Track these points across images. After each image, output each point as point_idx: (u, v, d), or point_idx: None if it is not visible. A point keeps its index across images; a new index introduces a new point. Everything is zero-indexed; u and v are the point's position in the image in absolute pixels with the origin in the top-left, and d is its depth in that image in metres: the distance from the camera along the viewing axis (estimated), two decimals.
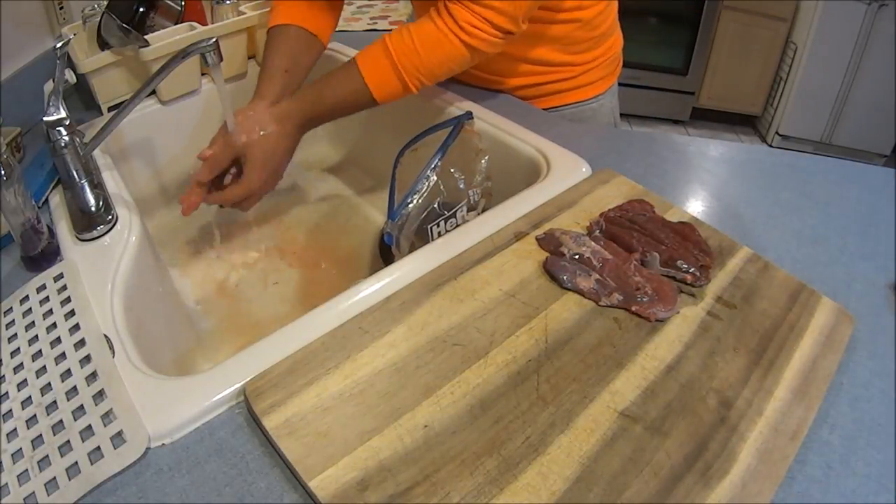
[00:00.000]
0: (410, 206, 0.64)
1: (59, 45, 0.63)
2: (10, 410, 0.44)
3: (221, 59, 0.63)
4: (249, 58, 0.93)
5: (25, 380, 0.46)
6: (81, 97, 0.86)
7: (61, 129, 0.60)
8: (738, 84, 2.73)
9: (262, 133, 0.70)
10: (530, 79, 0.85)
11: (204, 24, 0.84)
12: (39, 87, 0.79)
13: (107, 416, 0.43)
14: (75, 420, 0.43)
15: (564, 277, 0.53)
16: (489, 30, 0.68)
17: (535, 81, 0.86)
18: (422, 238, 0.65)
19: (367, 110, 0.85)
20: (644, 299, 0.50)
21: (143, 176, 0.85)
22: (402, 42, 0.69)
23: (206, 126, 0.88)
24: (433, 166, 0.65)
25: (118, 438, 0.41)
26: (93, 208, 0.61)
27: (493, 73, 0.86)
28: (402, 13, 1.65)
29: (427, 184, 0.65)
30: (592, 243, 0.56)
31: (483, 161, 0.70)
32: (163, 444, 0.42)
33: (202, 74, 0.86)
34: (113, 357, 0.47)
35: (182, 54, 0.61)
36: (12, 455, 0.41)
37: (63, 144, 0.60)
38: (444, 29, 0.68)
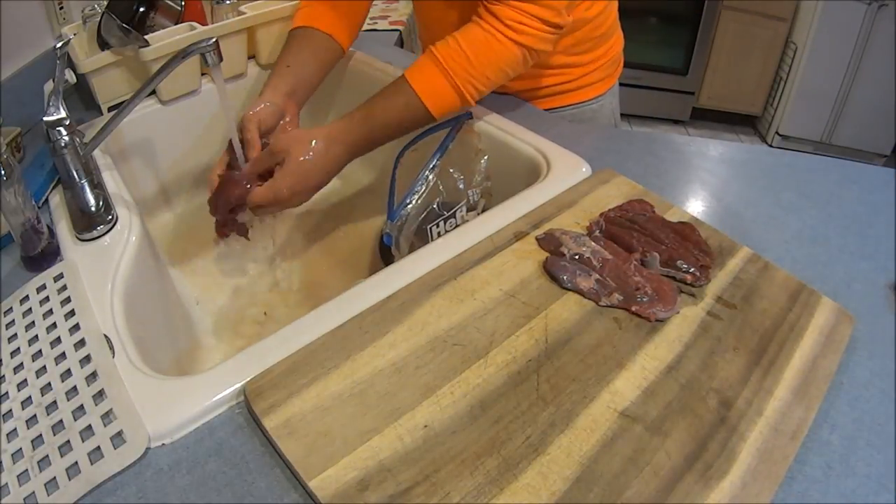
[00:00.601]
0: (409, 206, 0.64)
1: (59, 45, 0.63)
2: (10, 410, 0.44)
3: (221, 59, 0.63)
4: (249, 58, 0.93)
5: (25, 380, 0.46)
6: (81, 97, 0.86)
7: (61, 129, 0.60)
8: (738, 84, 2.73)
9: (309, 144, 0.66)
10: (531, 82, 0.86)
11: (204, 24, 0.84)
12: (39, 87, 0.79)
13: (107, 416, 0.43)
14: (75, 420, 0.43)
15: (564, 277, 0.53)
16: (537, 24, 0.66)
17: (537, 84, 0.86)
18: (421, 238, 0.65)
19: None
20: (644, 299, 0.50)
21: (143, 176, 0.85)
22: (450, 49, 0.67)
23: (206, 126, 0.88)
24: (431, 167, 0.65)
25: (118, 438, 0.41)
26: (93, 208, 0.61)
27: None
28: (403, 13, 1.65)
29: (425, 184, 0.65)
30: (592, 243, 0.56)
31: (482, 161, 0.70)
32: (163, 444, 0.42)
33: (202, 74, 0.86)
34: (113, 357, 0.47)
35: (182, 54, 0.61)
36: (12, 455, 0.41)
37: (63, 144, 0.60)
38: (490, 30, 0.66)
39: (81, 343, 0.48)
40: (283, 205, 0.67)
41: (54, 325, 0.50)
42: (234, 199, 0.68)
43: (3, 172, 0.53)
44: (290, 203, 0.67)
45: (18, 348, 0.49)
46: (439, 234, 0.66)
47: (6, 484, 0.39)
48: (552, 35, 0.69)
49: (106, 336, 0.49)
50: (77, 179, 0.62)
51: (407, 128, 0.70)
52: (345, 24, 0.83)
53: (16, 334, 0.50)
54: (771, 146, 2.73)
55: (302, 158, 0.65)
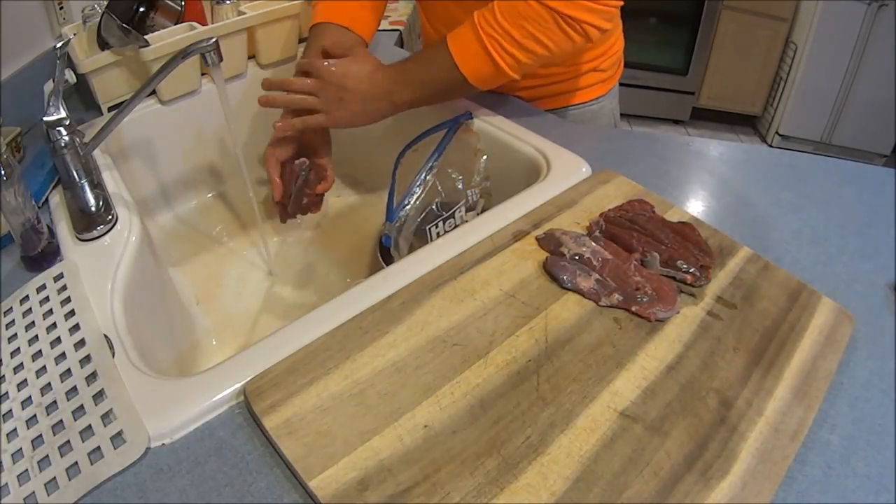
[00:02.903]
0: (407, 207, 0.64)
1: (59, 45, 0.63)
2: (10, 410, 0.44)
3: (221, 59, 0.63)
4: (249, 58, 0.92)
5: (25, 380, 0.46)
6: (81, 97, 0.86)
7: (61, 129, 0.60)
8: (738, 84, 2.73)
9: (362, 61, 0.70)
10: (530, 81, 0.85)
11: (204, 24, 0.84)
12: (39, 87, 0.79)
13: (107, 417, 0.43)
14: (75, 420, 0.43)
15: (564, 277, 0.53)
16: None
17: (536, 84, 0.86)
18: (421, 239, 0.65)
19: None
20: (644, 299, 0.50)
21: (143, 176, 0.85)
22: (487, 13, 0.65)
23: (207, 126, 0.88)
24: (429, 167, 0.65)
25: (118, 438, 0.41)
26: (93, 208, 0.61)
27: None
28: (403, 13, 1.65)
29: (424, 185, 0.65)
30: (592, 243, 0.56)
31: (482, 161, 0.70)
32: (163, 444, 0.42)
33: (202, 74, 0.86)
34: (113, 357, 0.47)
35: (182, 54, 0.61)
36: (12, 455, 0.41)
37: (63, 144, 0.60)
38: None
39: (81, 343, 0.48)
40: (325, 85, 0.70)
41: (54, 325, 0.50)
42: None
43: (3, 172, 0.53)
44: (329, 89, 0.70)
45: (18, 348, 0.49)
46: (438, 235, 0.66)
47: (6, 484, 0.39)
48: (599, 6, 0.64)
49: (106, 336, 0.49)
50: (77, 179, 0.62)
51: (444, 89, 0.70)
52: (364, 17, 0.82)
53: (16, 334, 0.50)
54: (771, 146, 2.73)
55: (353, 65, 0.69)
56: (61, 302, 0.52)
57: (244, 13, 0.86)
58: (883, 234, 0.62)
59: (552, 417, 0.42)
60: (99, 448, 0.41)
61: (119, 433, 0.42)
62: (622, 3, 0.67)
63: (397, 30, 1.49)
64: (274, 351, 0.47)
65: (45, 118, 0.60)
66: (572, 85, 0.87)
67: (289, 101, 0.73)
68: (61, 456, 0.41)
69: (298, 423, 0.41)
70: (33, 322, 0.51)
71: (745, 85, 2.73)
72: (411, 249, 0.65)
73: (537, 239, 0.58)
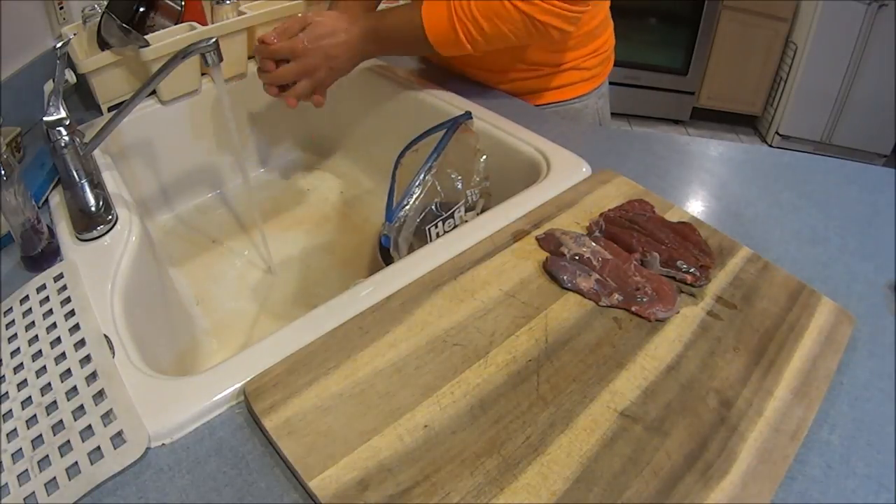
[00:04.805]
0: (406, 207, 0.64)
1: (59, 45, 0.63)
2: (10, 410, 0.44)
3: (221, 59, 0.63)
4: (249, 58, 0.92)
5: (25, 380, 0.46)
6: (81, 97, 0.86)
7: (61, 129, 0.60)
8: (738, 84, 2.73)
9: (330, 17, 0.74)
10: (509, 76, 0.85)
11: (204, 24, 0.84)
12: (39, 87, 0.79)
13: (107, 416, 0.43)
14: (75, 420, 0.43)
15: (564, 277, 0.53)
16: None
17: (514, 78, 0.86)
18: (420, 240, 0.65)
19: (369, 110, 0.85)
20: (644, 299, 0.50)
21: (143, 176, 0.85)
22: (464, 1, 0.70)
23: (206, 126, 0.88)
24: (428, 167, 0.65)
25: (118, 438, 0.41)
26: (93, 208, 0.61)
27: (480, 67, 0.86)
28: None
29: (422, 185, 0.65)
30: (592, 243, 0.56)
31: (481, 161, 0.70)
32: (163, 444, 0.42)
33: (202, 74, 0.86)
34: (113, 357, 0.47)
35: (182, 54, 0.61)
36: (12, 455, 0.41)
37: (63, 144, 0.60)
38: None
39: (81, 343, 0.48)
40: (302, 61, 0.73)
41: (54, 325, 0.50)
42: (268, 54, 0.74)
43: (3, 172, 0.53)
44: (315, 70, 0.73)
45: (18, 348, 0.49)
46: (438, 235, 0.66)
47: (6, 484, 0.39)
48: (568, 13, 0.70)
49: (106, 336, 0.49)
50: (77, 179, 0.62)
51: (408, 43, 0.76)
52: None
53: (16, 334, 0.50)
54: (771, 146, 2.73)
55: (321, 26, 0.72)
56: (61, 302, 0.52)
57: (244, 13, 0.86)
58: (883, 234, 0.62)
59: (552, 417, 0.42)
60: (99, 448, 0.41)
61: (119, 433, 0.42)
62: (587, 7, 0.72)
63: None
64: (274, 351, 0.47)
65: (45, 118, 0.60)
66: (551, 82, 0.87)
67: (290, 91, 0.76)
68: (61, 456, 0.41)
69: (298, 423, 0.41)
70: (33, 322, 0.51)
71: (745, 85, 2.73)
72: (411, 250, 0.65)
73: (537, 239, 0.58)
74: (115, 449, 0.41)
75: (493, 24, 0.71)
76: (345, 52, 0.75)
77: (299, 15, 0.75)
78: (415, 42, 0.74)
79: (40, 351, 0.48)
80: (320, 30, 0.72)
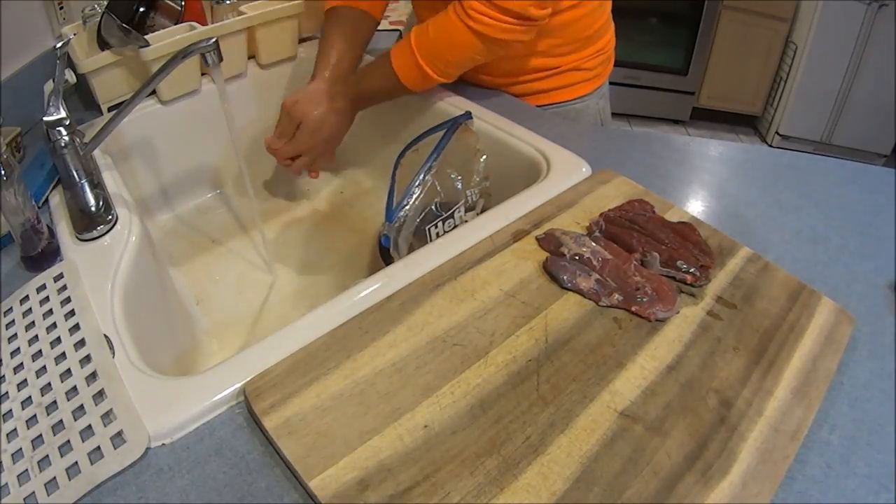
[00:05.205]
0: (406, 207, 0.64)
1: (59, 45, 0.63)
2: (10, 410, 0.44)
3: (221, 59, 0.63)
4: (249, 58, 0.92)
5: (25, 380, 0.46)
6: (81, 97, 0.86)
7: (61, 129, 0.60)
8: (738, 84, 2.73)
9: (316, 106, 0.77)
10: (508, 79, 0.85)
11: (204, 24, 0.84)
12: (39, 87, 0.79)
13: (107, 416, 0.43)
14: (75, 420, 0.43)
15: (564, 277, 0.53)
16: (498, 16, 0.69)
17: (512, 81, 0.86)
18: (420, 240, 0.65)
19: (369, 110, 0.85)
20: (644, 299, 0.50)
21: (143, 176, 0.85)
22: (421, 30, 0.74)
23: (206, 126, 0.88)
24: (427, 168, 0.65)
25: (118, 438, 0.41)
26: (93, 208, 0.61)
27: (484, 73, 0.86)
28: (403, 13, 1.65)
29: (422, 186, 0.65)
30: (592, 243, 0.56)
31: (481, 161, 0.70)
32: (163, 444, 0.42)
33: (202, 74, 0.86)
34: (113, 357, 0.47)
35: (182, 54, 0.61)
36: (12, 455, 0.41)
37: (63, 144, 0.60)
38: (451, 15, 0.71)
39: (81, 343, 0.48)
40: (311, 157, 0.81)
41: (54, 325, 0.50)
42: (277, 154, 0.82)
43: (3, 172, 0.53)
44: (317, 153, 0.81)
45: (18, 348, 0.49)
46: (438, 235, 0.66)
47: (6, 484, 0.39)
48: (520, 26, 0.71)
49: (106, 336, 0.49)
50: (77, 179, 0.62)
51: (391, 93, 0.80)
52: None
53: (16, 334, 0.50)
54: (771, 146, 2.73)
55: (314, 120, 0.77)
56: (61, 302, 0.52)
57: (244, 13, 0.86)
58: (883, 234, 0.62)
59: (552, 417, 0.42)
60: (99, 448, 0.41)
61: (119, 433, 0.42)
62: (546, 13, 0.72)
63: (397, 30, 1.49)
64: (274, 351, 0.47)
65: (45, 118, 0.59)
66: (553, 83, 0.87)
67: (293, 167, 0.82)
68: (61, 456, 0.41)
69: (298, 423, 0.41)
70: (33, 322, 0.51)
71: (745, 85, 2.73)
72: (411, 250, 0.65)
73: (537, 239, 0.58)
74: (115, 449, 0.41)
75: (455, 54, 0.73)
76: (339, 129, 0.81)
77: (284, 109, 0.78)
78: (396, 90, 0.78)
79: (40, 351, 0.48)
80: (313, 125, 0.77)
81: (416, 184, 0.65)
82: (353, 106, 0.81)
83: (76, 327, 0.49)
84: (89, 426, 0.42)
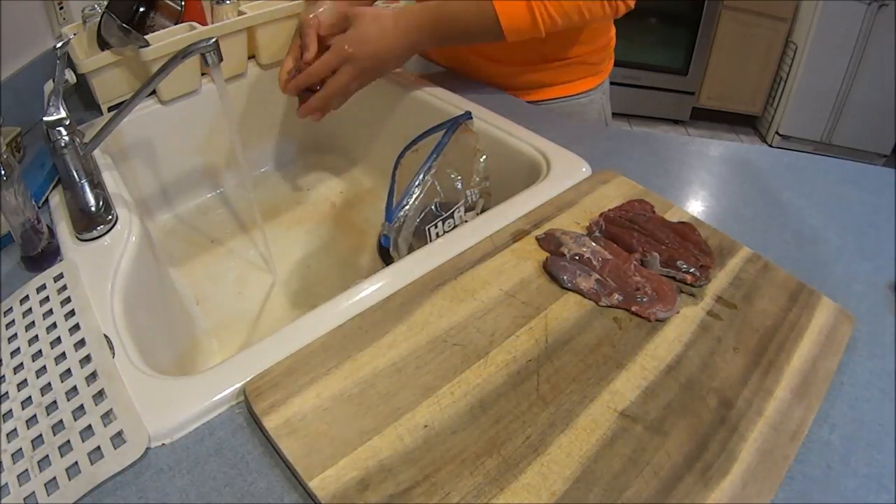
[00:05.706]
0: (406, 207, 0.64)
1: (59, 45, 0.63)
2: (10, 410, 0.44)
3: (221, 59, 0.63)
4: (249, 58, 0.92)
5: (25, 380, 0.46)
6: (81, 97, 0.86)
7: (61, 129, 0.60)
8: (738, 84, 2.73)
9: (378, 12, 0.67)
10: (514, 69, 0.85)
11: (204, 24, 0.84)
12: (39, 87, 0.79)
13: (107, 416, 0.43)
14: (75, 420, 0.43)
15: (564, 277, 0.53)
16: None
17: (518, 71, 0.86)
18: (420, 240, 0.65)
19: (368, 109, 0.85)
20: (644, 299, 0.50)
21: (143, 176, 0.85)
22: None
23: (206, 126, 0.88)
24: (427, 168, 0.65)
25: (118, 438, 0.41)
26: (93, 208, 0.61)
27: (493, 59, 0.86)
28: None
29: (422, 186, 0.65)
30: (592, 243, 0.56)
31: (481, 161, 0.70)
32: (163, 444, 0.42)
33: (202, 74, 0.86)
34: (113, 357, 0.47)
35: (182, 54, 0.61)
36: (12, 455, 0.41)
37: (63, 144, 0.60)
38: None
39: (81, 343, 0.48)
40: (350, 64, 0.67)
41: (54, 325, 0.50)
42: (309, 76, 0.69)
43: (3, 172, 0.53)
44: (355, 63, 0.67)
45: (18, 348, 0.49)
46: (438, 235, 0.66)
47: (6, 484, 0.39)
48: (610, 9, 0.70)
49: (106, 336, 0.49)
50: (77, 179, 0.62)
51: (474, 30, 0.70)
52: None
53: (16, 334, 0.50)
54: (771, 146, 2.73)
55: (368, 25, 0.66)
56: (61, 302, 0.52)
57: (244, 13, 0.86)
58: (883, 234, 0.62)
59: (552, 417, 0.42)
60: (99, 448, 0.41)
61: (119, 433, 0.42)
62: (631, 8, 0.72)
63: None
64: (274, 351, 0.47)
65: (45, 118, 0.59)
66: (558, 77, 0.87)
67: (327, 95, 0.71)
68: (61, 456, 0.41)
69: (298, 423, 0.41)
70: (33, 322, 0.51)
71: (745, 85, 2.73)
72: (411, 250, 0.65)
73: (537, 239, 0.58)
74: (115, 449, 0.41)
75: (573, 2, 0.69)
76: (392, 52, 0.69)
77: (336, 9, 0.69)
78: (479, 29, 0.69)
79: (40, 351, 0.48)
80: (366, 25, 0.66)
81: (416, 184, 0.65)
82: (422, 30, 0.70)
83: (76, 327, 0.49)
84: (89, 426, 0.42)
